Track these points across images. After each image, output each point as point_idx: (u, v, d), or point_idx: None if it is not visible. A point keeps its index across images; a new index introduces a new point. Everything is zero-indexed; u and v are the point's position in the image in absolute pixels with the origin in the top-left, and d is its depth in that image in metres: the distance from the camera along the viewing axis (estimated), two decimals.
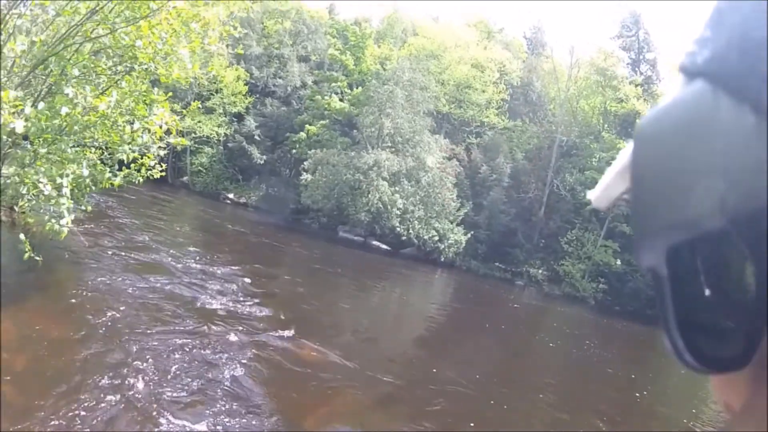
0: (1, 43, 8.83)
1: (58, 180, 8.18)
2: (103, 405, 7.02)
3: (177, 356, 9.21)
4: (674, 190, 0.40)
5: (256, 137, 41.71)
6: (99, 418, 6.69)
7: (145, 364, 8.52)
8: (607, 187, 0.49)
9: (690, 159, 0.39)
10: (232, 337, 10.84)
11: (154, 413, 7.23)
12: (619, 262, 35.15)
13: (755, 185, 0.33)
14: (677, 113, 0.41)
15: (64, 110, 8.34)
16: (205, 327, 11.00)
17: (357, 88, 41.45)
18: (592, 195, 0.51)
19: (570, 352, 19.03)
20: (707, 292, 0.40)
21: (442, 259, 35.06)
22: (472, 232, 35.76)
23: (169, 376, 8.40)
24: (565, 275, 36.33)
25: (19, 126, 6.78)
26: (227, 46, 34.15)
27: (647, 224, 0.43)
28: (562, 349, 19.09)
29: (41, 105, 8.44)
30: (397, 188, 34.70)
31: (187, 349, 9.62)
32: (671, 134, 0.41)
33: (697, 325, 0.41)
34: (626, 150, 0.46)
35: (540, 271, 36.76)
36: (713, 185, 0.36)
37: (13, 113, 6.82)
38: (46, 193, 8.10)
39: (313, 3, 54.25)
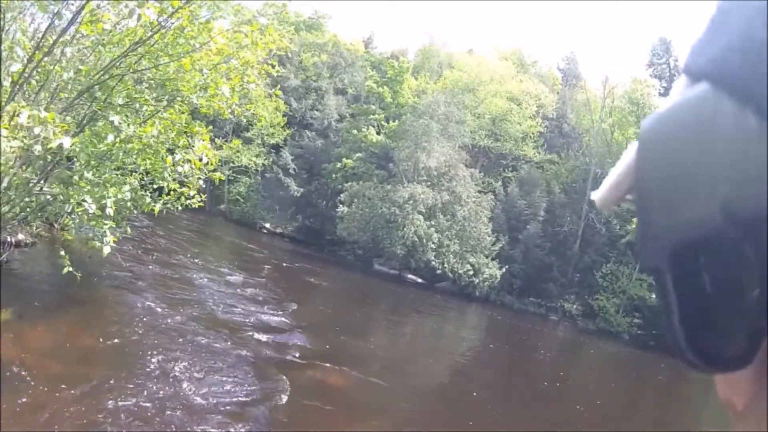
0: (2, 50, 9.26)
1: (103, 201, 8.49)
2: (127, 414, 7.40)
3: (205, 375, 9.46)
4: (677, 192, 0.41)
5: (292, 170, 42.20)
6: (121, 425, 7.09)
7: (173, 381, 8.80)
8: (611, 188, 0.50)
9: (693, 161, 0.39)
10: (263, 361, 11.09)
11: (177, 427, 7.60)
12: (654, 296, 34.56)
13: (758, 188, 0.34)
14: (681, 115, 0.42)
15: (110, 138, 8.78)
16: (236, 349, 11.27)
17: (394, 121, 41.79)
18: (596, 195, 0.53)
19: (603, 388, 18.96)
20: (710, 292, 0.41)
21: (477, 294, 34.95)
22: (507, 267, 35.62)
23: (195, 394, 8.65)
24: (600, 310, 35.98)
25: (67, 142, 7.10)
26: (266, 77, 34.54)
27: (651, 225, 0.44)
28: (596, 387, 19.01)
29: (85, 131, 8.94)
30: (432, 222, 34.79)
31: (216, 370, 9.85)
32: (675, 136, 0.42)
33: (700, 324, 0.42)
34: (630, 150, 0.48)
35: (574, 306, 36.54)
36: (716, 187, 0.37)
37: (61, 134, 7.14)
38: (90, 212, 8.37)
39: (350, 35, 54.84)
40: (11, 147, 6.53)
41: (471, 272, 34.64)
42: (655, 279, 0.44)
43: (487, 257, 35.48)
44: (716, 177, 0.37)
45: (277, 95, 31.45)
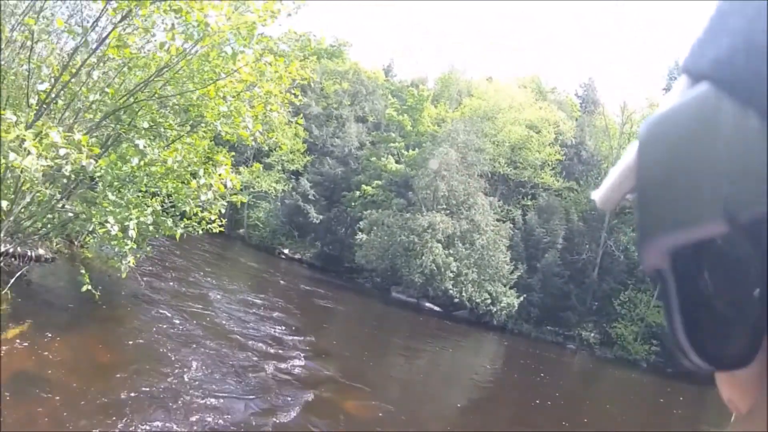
0: (2, 56, 9.48)
1: (125, 223, 8.63)
2: (136, 427, 7.49)
3: (220, 398, 9.52)
4: (678, 193, 0.41)
5: (311, 197, 42.42)
6: None
7: (187, 401, 8.89)
8: (611, 188, 0.50)
9: (694, 162, 0.39)
10: (278, 386, 11.12)
11: None
12: None
13: (759, 188, 0.34)
14: (682, 116, 0.42)
15: (135, 161, 8.96)
16: (252, 371, 11.34)
17: (414, 149, 42.01)
18: (596, 195, 0.53)
19: (621, 417, 18.75)
20: (711, 292, 0.41)
21: (494, 322, 34.74)
22: (525, 295, 35.39)
23: (208, 415, 8.74)
24: (618, 338, 35.67)
25: (90, 166, 7.26)
26: (288, 106, 34.86)
27: (652, 226, 0.44)
28: (613, 415, 18.80)
29: (110, 153, 9.13)
30: (451, 250, 34.72)
31: (231, 393, 9.92)
32: (676, 137, 0.42)
33: (701, 324, 0.42)
34: (630, 150, 0.48)
35: (592, 334, 36.13)
36: (717, 188, 0.37)
37: (89, 156, 7.30)
38: (113, 233, 8.50)
39: (369, 62, 55.36)
40: (41, 166, 6.70)
41: (489, 301, 34.49)
42: (657, 279, 0.45)
43: (505, 286, 35.32)
44: (717, 177, 0.37)
45: (299, 123, 31.73)
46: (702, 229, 0.39)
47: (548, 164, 43.65)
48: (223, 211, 11.31)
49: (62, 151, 6.73)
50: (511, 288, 35.55)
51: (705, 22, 0.43)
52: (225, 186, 10.35)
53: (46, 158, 6.77)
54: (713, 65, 0.40)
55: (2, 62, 9.58)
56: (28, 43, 9.58)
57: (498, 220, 37.94)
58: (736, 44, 0.38)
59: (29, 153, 6.47)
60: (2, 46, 9.35)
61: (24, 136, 6.49)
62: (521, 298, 35.20)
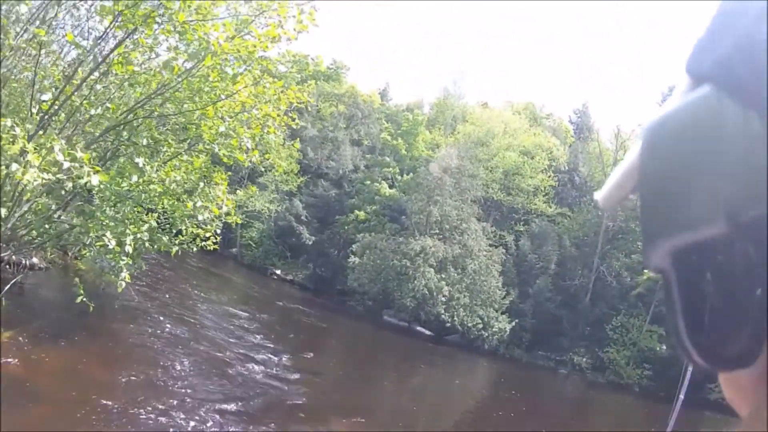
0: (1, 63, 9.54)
1: (122, 238, 8.70)
2: None
3: (208, 416, 9.59)
4: (680, 194, 0.41)
5: (304, 218, 42.42)
6: None
7: (175, 417, 8.94)
8: (614, 188, 0.51)
9: (696, 163, 0.40)
10: (267, 406, 11.16)
11: None
12: (664, 347, 34.35)
13: (761, 189, 0.34)
14: (684, 117, 0.42)
15: (134, 179, 9.03)
16: (241, 392, 11.36)
17: (408, 174, 42.20)
18: (599, 195, 0.53)
19: None
20: (713, 291, 0.41)
21: (486, 347, 34.65)
22: (517, 320, 35.38)
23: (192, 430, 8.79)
24: (610, 362, 35.66)
25: (95, 180, 7.33)
26: (285, 129, 35.05)
27: (654, 226, 0.44)
28: None
29: (110, 170, 9.20)
30: (443, 275, 34.72)
31: (220, 412, 9.96)
32: (678, 138, 0.42)
33: (703, 323, 0.42)
34: (633, 151, 0.48)
35: (584, 359, 36.08)
36: (719, 189, 0.37)
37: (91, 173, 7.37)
38: (110, 247, 8.56)
39: (366, 85, 55.65)
40: (43, 180, 6.77)
41: (480, 326, 34.43)
42: (660, 279, 0.45)
43: (497, 311, 35.33)
44: (719, 178, 0.37)
45: (296, 147, 31.87)
46: (704, 230, 0.39)
47: (541, 190, 43.86)
48: (218, 231, 11.40)
49: (66, 165, 6.79)
50: (503, 313, 35.56)
51: (706, 24, 0.44)
52: (219, 208, 10.45)
53: (47, 172, 6.84)
54: (715, 67, 0.40)
55: (5, 69, 9.68)
56: (31, 51, 9.68)
57: (491, 246, 37.99)
58: (738, 46, 0.38)
59: (31, 166, 6.53)
60: (6, 54, 9.45)
61: (27, 148, 6.56)
62: (513, 323, 35.20)
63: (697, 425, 25.86)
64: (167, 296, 17.64)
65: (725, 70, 0.39)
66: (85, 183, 7.13)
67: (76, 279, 9.73)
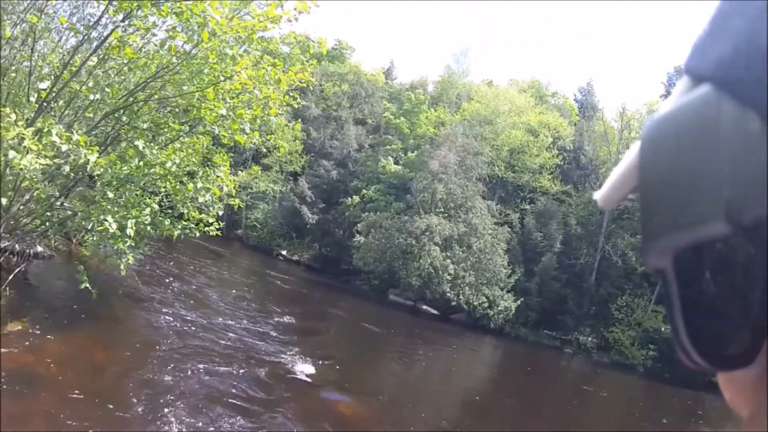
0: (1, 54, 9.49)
1: (123, 221, 8.67)
2: (132, 424, 7.52)
3: (213, 397, 9.60)
4: (680, 194, 0.41)
5: (308, 198, 42.42)
6: None
7: (179, 399, 8.95)
8: (613, 188, 0.51)
9: (696, 163, 0.40)
10: (272, 386, 11.16)
11: None
12: (669, 328, 34.14)
13: (760, 190, 0.34)
14: (683, 117, 0.42)
15: (135, 162, 8.99)
16: (246, 372, 11.36)
17: (412, 152, 42.10)
18: (598, 195, 0.53)
19: (615, 421, 18.78)
20: (713, 291, 0.41)
21: (491, 326, 34.65)
22: (523, 299, 35.36)
23: (201, 414, 8.79)
24: (615, 342, 35.70)
25: (93, 157, 7.26)
26: (287, 108, 34.74)
27: (654, 226, 0.44)
28: (611, 421, 18.81)
29: (110, 153, 9.16)
30: (448, 253, 34.72)
31: (225, 392, 9.96)
32: (677, 137, 0.42)
33: (702, 323, 0.42)
34: (632, 150, 0.48)
35: (589, 339, 36.18)
36: (719, 189, 0.37)
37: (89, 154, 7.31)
38: (111, 231, 8.52)
39: (370, 63, 55.30)
40: (40, 165, 6.72)
41: (486, 304, 34.44)
42: (659, 279, 0.45)
43: (502, 289, 35.31)
44: (718, 179, 0.37)
45: (297, 128, 31.77)
46: (703, 230, 0.39)
47: (546, 168, 43.65)
48: (220, 213, 11.35)
49: (63, 148, 6.75)
50: (508, 292, 35.52)
51: (706, 23, 0.43)
52: (221, 190, 10.39)
53: (45, 156, 6.80)
54: (714, 67, 0.40)
55: (2, 60, 9.60)
56: (29, 40, 9.61)
57: (496, 224, 37.97)
58: (738, 46, 0.38)
59: (28, 151, 6.50)
60: (2, 44, 9.37)
61: (23, 134, 6.52)
62: (519, 302, 35.17)
63: (700, 408, 25.91)
64: (171, 280, 17.65)
65: (725, 70, 0.39)
66: (84, 164, 7.09)
67: (80, 266, 9.72)
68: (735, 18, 0.40)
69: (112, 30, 8.83)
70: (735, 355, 0.42)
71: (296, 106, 11.71)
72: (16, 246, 10.70)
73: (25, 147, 6.47)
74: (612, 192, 0.51)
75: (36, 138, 6.80)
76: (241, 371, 11.38)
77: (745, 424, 0.46)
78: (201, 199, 10.38)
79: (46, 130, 6.91)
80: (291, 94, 11.18)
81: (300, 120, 40.13)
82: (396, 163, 42.62)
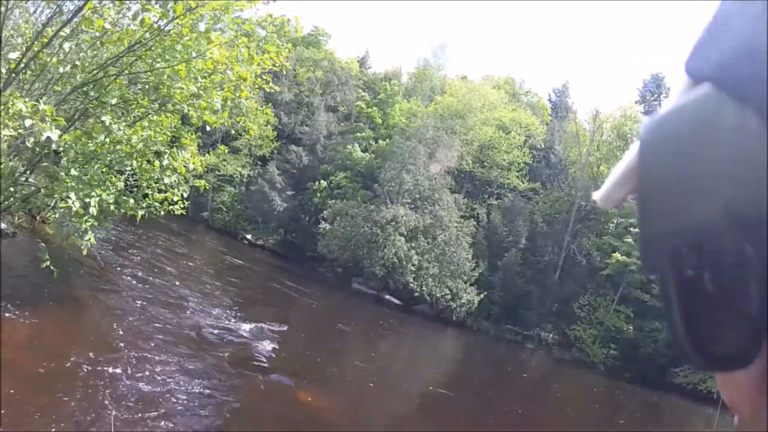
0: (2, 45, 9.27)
1: (86, 199, 8.52)
2: (92, 408, 7.42)
3: (168, 383, 9.43)
4: (679, 193, 0.41)
5: (278, 184, 42.16)
6: (86, 419, 7.07)
7: (139, 385, 8.84)
8: (612, 188, 0.51)
9: (695, 163, 0.40)
10: (231, 372, 11.08)
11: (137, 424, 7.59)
12: (631, 328, 34.99)
13: (759, 189, 0.34)
14: (683, 117, 0.42)
15: (101, 138, 8.81)
16: (205, 358, 11.26)
17: (384, 141, 42.12)
18: (597, 195, 0.53)
19: (574, 418, 19.01)
20: (711, 291, 0.41)
21: (454, 318, 34.97)
22: (486, 293, 35.70)
23: (157, 400, 8.67)
24: (576, 340, 36.16)
25: (54, 136, 7.10)
26: (258, 91, 34.43)
27: (653, 225, 0.44)
28: (568, 417, 19.03)
29: (75, 129, 8.96)
30: (413, 244, 34.89)
31: (181, 379, 9.82)
32: (677, 137, 0.42)
33: (701, 323, 0.42)
34: (632, 151, 0.48)
35: (551, 335, 36.70)
36: (718, 189, 0.37)
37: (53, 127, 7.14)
38: (74, 209, 8.35)
39: (345, 52, 55.07)
40: (4, 136, 6.53)
41: (449, 296, 34.72)
42: (658, 279, 0.44)
43: (465, 282, 35.57)
44: (718, 178, 0.37)
45: (267, 113, 31.55)
46: (703, 230, 0.39)
47: (515, 165, 43.90)
48: (186, 194, 11.20)
49: (27, 122, 6.56)
50: (471, 285, 35.80)
51: (706, 23, 0.43)
52: (187, 169, 10.24)
53: (8, 128, 6.62)
54: (714, 67, 0.40)
55: None
56: (2, 8, 9.35)
57: (462, 217, 38.17)
58: (737, 46, 0.38)
59: None
60: None
61: None
62: (482, 296, 35.50)
63: (660, 409, 26.39)
64: (134, 261, 17.43)
65: (725, 70, 0.39)
66: (50, 140, 6.91)
67: (42, 245, 9.52)
68: (735, 18, 0.40)
69: (87, 1, 8.61)
70: (734, 356, 0.41)
71: (268, 90, 11.57)
72: None
73: None
74: (611, 192, 0.51)
75: (2, 109, 6.61)
76: (200, 356, 11.29)
77: (745, 424, 0.46)
78: (167, 180, 10.22)
79: (11, 102, 6.71)
80: (264, 77, 11.06)
81: (271, 104, 39.91)
82: (365, 151, 42.54)
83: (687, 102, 0.42)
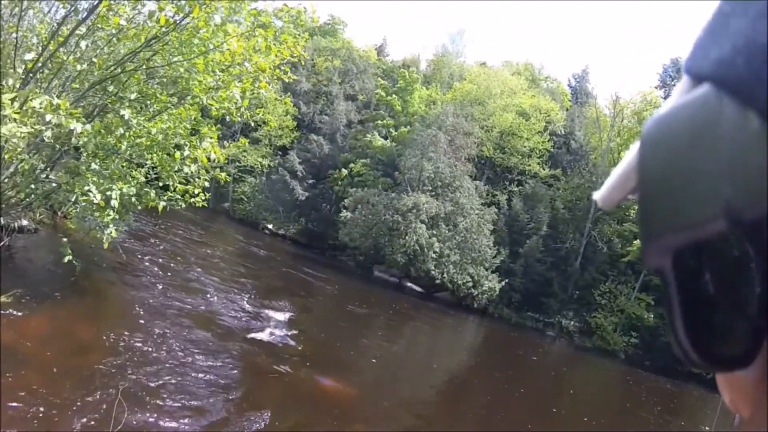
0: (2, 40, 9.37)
1: (108, 193, 8.57)
2: (113, 399, 7.50)
3: (197, 373, 9.58)
4: (680, 193, 0.41)
5: (299, 173, 42.29)
6: (106, 414, 7.14)
7: (162, 378, 8.93)
8: (613, 188, 0.50)
9: (695, 162, 0.40)
10: (254, 362, 11.20)
11: (158, 419, 7.68)
12: (652, 316, 34.70)
13: (760, 189, 0.34)
14: (683, 117, 0.42)
15: (120, 131, 8.89)
16: (230, 348, 11.37)
17: (404, 128, 42.03)
18: (597, 195, 0.52)
19: (595, 409, 18.90)
20: (712, 291, 0.42)
21: (475, 306, 34.89)
22: (507, 280, 35.56)
23: (184, 390, 8.79)
24: (597, 328, 35.93)
25: (78, 128, 7.16)
26: (277, 82, 34.57)
27: (654, 225, 0.44)
28: (587, 405, 18.94)
29: (95, 122, 9.04)
30: (434, 231, 34.80)
31: (205, 366, 9.96)
32: (677, 137, 0.42)
33: (702, 323, 0.42)
34: (632, 151, 0.48)
35: (572, 323, 36.50)
36: (718, 188, 0.37)
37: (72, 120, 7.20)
38: (95, 202, 8.44)
39: (362, 40, 54.85)
40: (21, 133, 6.61)
41: (470, 284, 34.61)
42: (659, 279, 0.45)
43: (487, 270, 35.43)
44: (718, 178, 0.37)
45: (286, 103, 31.62)
46: (703, 230, 0.39)
47: (536, 152, 43.62)
48: (206, 185, 11.27)
49: (48, 117, 6.64)
50: (493, 272, 35.62)
51: (706, 22, 0.43)
52: (209, 159, 10.29)
53: (26, 125, 6.70)
54: (714, 66, 0.40)
55: None
56: (17, 10, 9.45)
57: (483, 204, 38.00)
58: (738, 45, 0.38)
59: (9, 120, 6.40)
60: None
61: (4, 103, 6.41)
62: (503, 283, 35.33)
63: (678, 398, 26.22)
64: (156, 253, 17.57)
65: (725, 70, 0.39)
66: (68, 134, 6.99)
67: (64, 239, 9.63)
68: (735, 18, 0.40)
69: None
70: (734, 356, 0.42)
71: (287, 80, 11.61)
72: (1, 220, 10.60)
73: (5, 116, 6.37)
74: (611, 192, 0.51)
75: (18, 106, 6.69)
76: (222, 344, 11.39)
77: (745, 424, 0.46)
78: (186, 170, 10.29)
79: (29, 98, 6.79)
80: (282, 68, 11.09)
81: (290, 94, 39.90)
82: (385, 139, 42.53)
83: (687, 102, 0.42)
